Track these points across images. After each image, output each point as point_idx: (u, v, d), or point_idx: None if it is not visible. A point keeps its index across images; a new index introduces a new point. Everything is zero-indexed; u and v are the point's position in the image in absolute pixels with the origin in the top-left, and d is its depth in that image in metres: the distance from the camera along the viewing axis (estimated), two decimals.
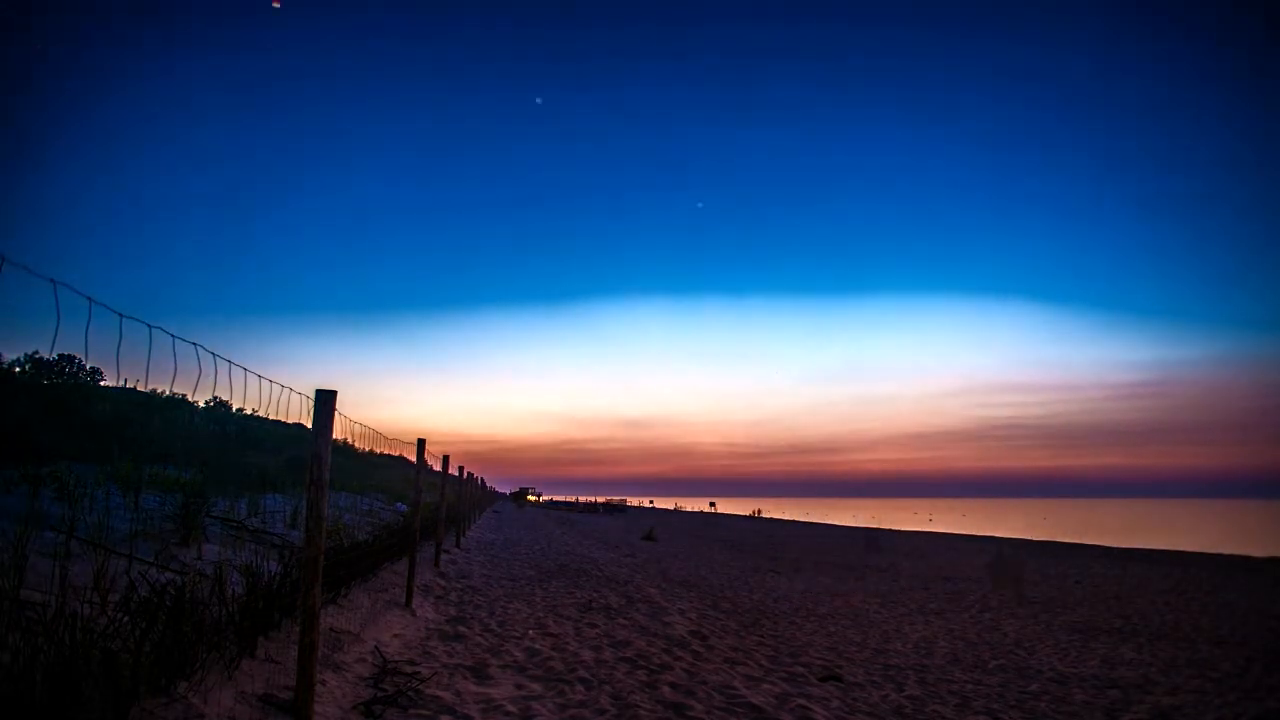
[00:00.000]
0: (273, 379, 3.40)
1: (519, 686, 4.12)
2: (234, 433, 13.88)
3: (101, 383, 10.57)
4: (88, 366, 10.74)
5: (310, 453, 2.96)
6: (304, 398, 3.20)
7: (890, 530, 34.66)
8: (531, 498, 67.21)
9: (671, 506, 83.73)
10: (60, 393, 9.26)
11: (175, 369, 2.54)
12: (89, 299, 2.15)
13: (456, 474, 15.43)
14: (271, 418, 5.88)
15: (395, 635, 4.94)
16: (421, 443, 7.01)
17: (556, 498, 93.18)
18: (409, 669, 4.13)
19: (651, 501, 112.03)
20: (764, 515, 55.46)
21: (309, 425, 3.04)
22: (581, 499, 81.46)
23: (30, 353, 10.17)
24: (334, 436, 3.11)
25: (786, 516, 53.19)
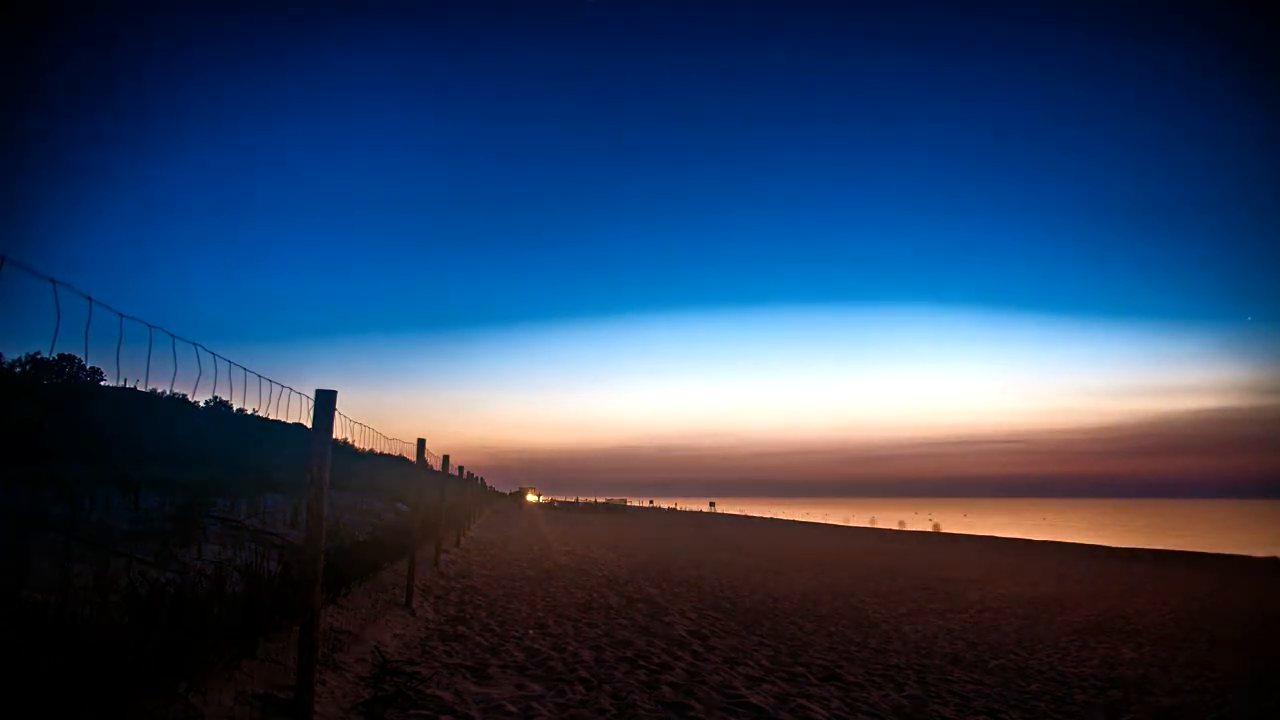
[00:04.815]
0: (273, 379, 3.40)
1: (519, 686, 4.13)
2: (234, 433, 13.87)
3: (101, 383, 10.56)
4: (88, 366, 10.74)
5: (310, 453, 2.96)
6: (304, 398, 3.20)
7: (890, 530, 34.66)
8: (532, 497, 67.21)
9: (671, 506, 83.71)
10: (60, 393, 9.26)
11: (175, 369, 2.54)
12: (89, 299, 2.15)
13: (456, 474, 15.43)
14: (272, 418, 5.87)
15: (395, 635, 4.95)
16: (421, 442, 7.02)
17: (557, 497, 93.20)
18: (409, 669, 4.13)
19: (652, 501, 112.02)
20: (763, 515, 55.45)
21: (309, 425, 3.04)
22: (581, 499, 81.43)
23: (30, 353, 10.16)
24: (334, 436, 3.11)
25: (787, 516, 53.18)
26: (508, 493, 65.09)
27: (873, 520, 46.83)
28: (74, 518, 4.65)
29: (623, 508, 62.48)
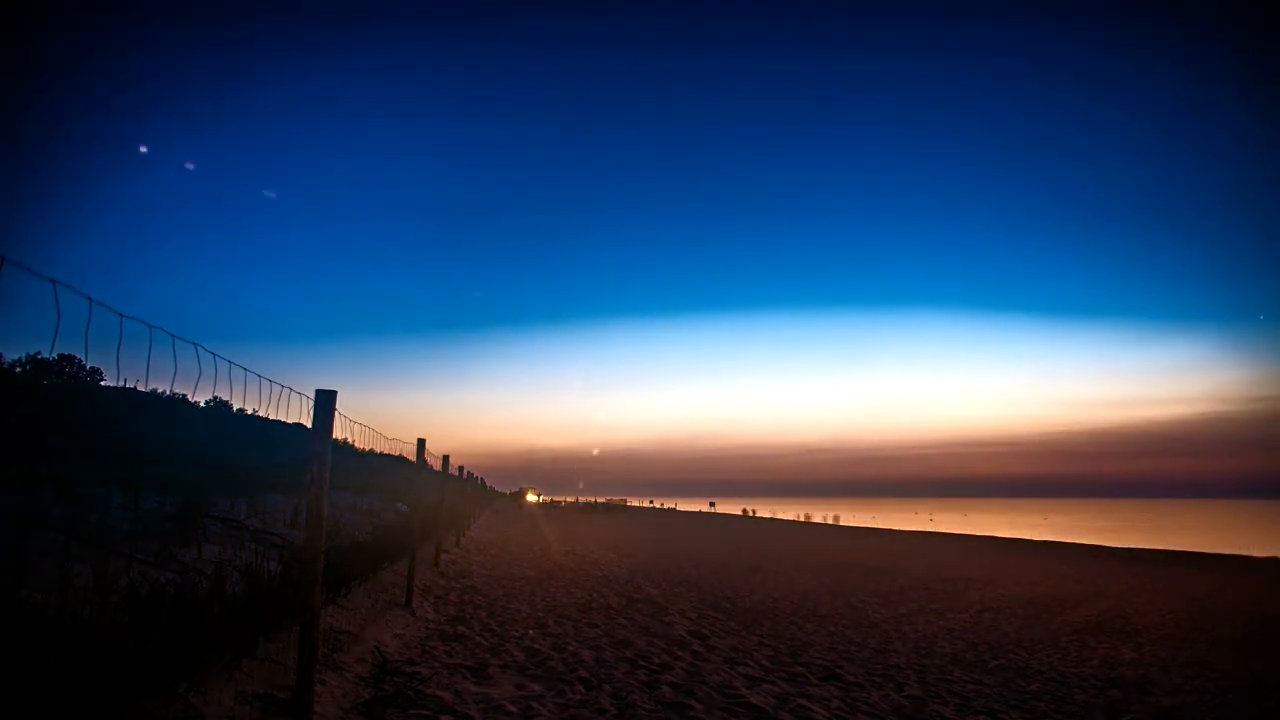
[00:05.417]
0: (273, 379, 3.40)
1: (519, 686, 4.13)
2: (234, 433, 13.87)
3: (101, 383, 10.56)
4: (88, 366, 10.74)
5: (310, 453, 2.96)
6: (304, 398, 3.20)
7: (891, 530, 34.65)
8: (531, 497, 67.12)
9: (671, 506, 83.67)
10: (60, 393, 9.26)
11: (175, 369, 2.54)
12: (89, 299, 2.15)
13: (456, 474, 15.43)
14: (272, 418, 5.87)
15: (395, 635, 4.95)
16: (421, 442, 7.02)
17: (557, 497, 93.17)
18: (409, 669, 4.13)
19: (651, 501, 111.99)
20: (763, 515, 55.44)
21: (309, 425, 3.04)
22: (581, 499, 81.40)
23: (31, 353, 10.16)
24: (334, 436, 3.11)
25: (787, 516, 53.17)
26: (508, 493, 65.04)
27: (874, 519, 46.81)
28: (74, 518, 4.65)
29: (622, 508, 62.46)
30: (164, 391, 11.13)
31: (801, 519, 48.08)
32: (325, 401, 3.02)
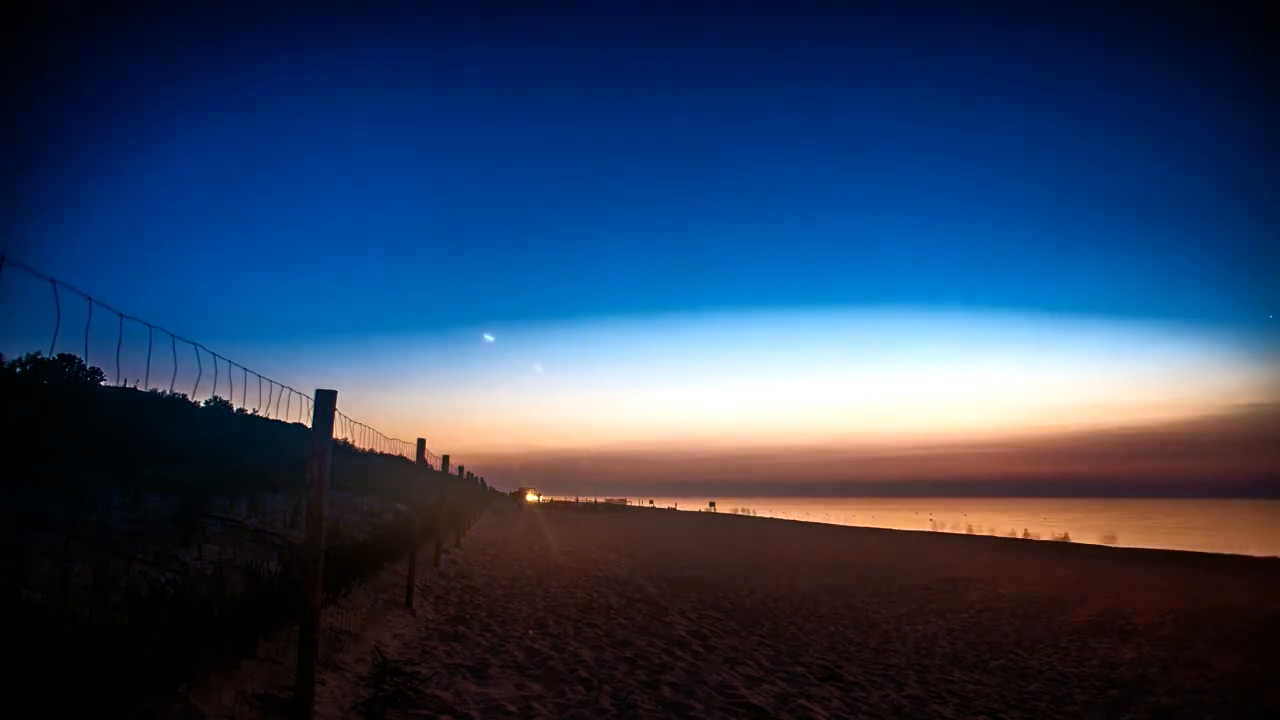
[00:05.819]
0: (273, 379, 3.40)
1: (519, 686, 4.13)
2: (234, 433, 13.87)
3: (101, 383, 10.57)
4: (88, 366, 10.74)
5: (310, 453, 2.96)
6: (304, 398, 3.20)
7: (891, 530, 34.66)
8: (531, 497, 67.11)
9: (671, 506, 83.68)
10: (60, 393, 9.26)
11: (175, 369, 2.54)
12: (89, 299, 2.15)
13: (456, 474, 15.43)
14: (272, 418, 5.88)
15: (395, 635, 4.95)
16: (421, 442, 7.02)
17: (557, 498, 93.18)
18: (409, 669, 4.13)
19: (651, 501, 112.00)
20: (761, 515, 55.45)
21: (309, 425, 3.04)
22: (581, 499, 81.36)
23: (31, 353, 10.16)
24: (334, 436, 3.11)
25: (787, 516, 53.18)
26: (508, 493, 64.98)
27: (873, 519, 46.84)
28: (74, 518, 4.65)
29: (623, 508, 62.47)
30: (164, 391, 11.13)
31: (802, 519, 48.08)
32: (325, 401, 3.02)
